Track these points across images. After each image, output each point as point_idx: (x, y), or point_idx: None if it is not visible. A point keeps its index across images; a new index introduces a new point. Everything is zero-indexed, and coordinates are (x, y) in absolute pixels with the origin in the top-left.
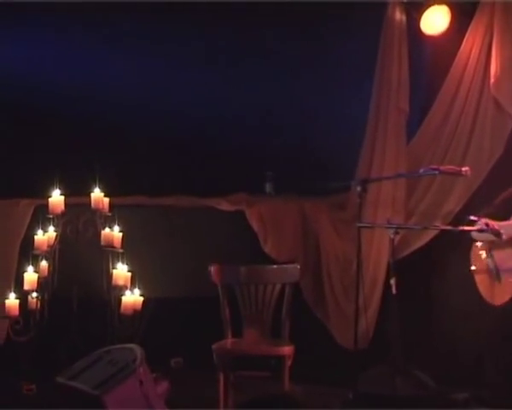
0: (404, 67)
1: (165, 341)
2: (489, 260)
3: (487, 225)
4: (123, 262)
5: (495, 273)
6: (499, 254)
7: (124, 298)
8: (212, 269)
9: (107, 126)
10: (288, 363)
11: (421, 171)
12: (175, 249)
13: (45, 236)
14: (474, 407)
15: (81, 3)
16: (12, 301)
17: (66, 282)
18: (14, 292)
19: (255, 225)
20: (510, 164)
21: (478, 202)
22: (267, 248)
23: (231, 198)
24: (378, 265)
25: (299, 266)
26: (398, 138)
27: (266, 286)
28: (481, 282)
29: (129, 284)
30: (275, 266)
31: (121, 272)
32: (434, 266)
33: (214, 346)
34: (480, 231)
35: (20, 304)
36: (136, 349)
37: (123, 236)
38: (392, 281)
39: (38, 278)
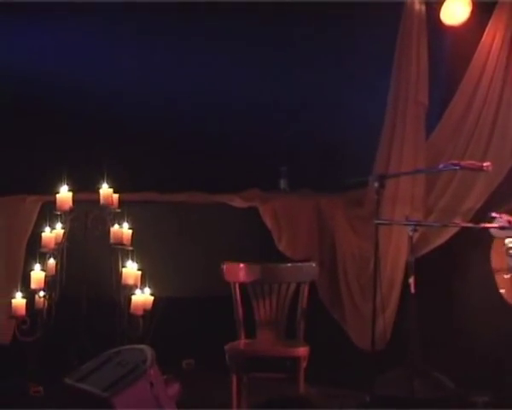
0: (424, 58)
1: (176, 341)
2: (509, 259)
3: (510, 222)
4: (133, 260)
5: None
6: None
7: (134, 297)
8: (225, 267)
9: (116, 120)
10: (303, 365)
11: (441, 166)
12: (186, 247)
13: (53, 233)
14: None
15: None
16: (19, 300)
17: (75, 281)
18: (21, 291)
19: (269, 223)
20: None
21: (499, 199)
22: (281, 246)
23: (244, 194)
24: (396, 263)
25: (314, 265)
26: (416, 132)
27: (281, 285)
28: (502, 281)
29: (139, 283)
30: (289, 265)
31: (131, 270)
32: (454, 265)
33: (227, 347)
34: (502, 228)
35: (26, 304)
36: (147, 350)
37: (133, 233)
38: (411, 280)
39: (46, 276)
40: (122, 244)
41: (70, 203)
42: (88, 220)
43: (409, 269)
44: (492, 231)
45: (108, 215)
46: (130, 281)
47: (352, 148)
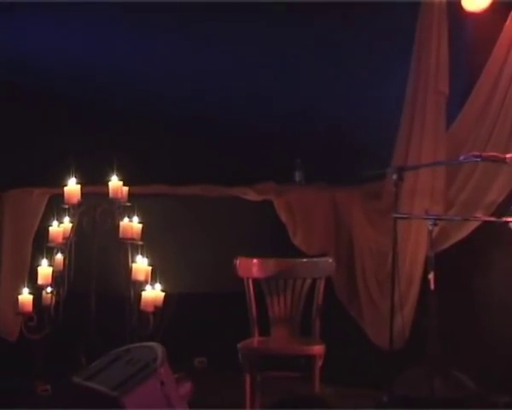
0: (444, 46)
1: (187, 339)
2: None
3: None
4: (143, 255)
5: None
6: None
7: (144, 294)
8: (238, 263)
9: (126, 111)
10: (319, 363)
11: (462, 158)
12: (198, 242)
13: (60, 227)
14: None
15: None
16: (25, 296)
17: (83, 276)
18: (28, 287)
19: (284, 216)
20: None
21: None
22: (297, 241)
23: (258, 187)
24: (415, 258)
25: (330, 260)
26: (437, 123)
27: (296, 281)
28: None
29: (149, 279)
30: (305, 260)
31: (141, 265)
32: (475, 260)
33: (240, 345)
34: None
35: (33, 300)
36: (157, 348)
37: (143, 227)
38: (431, 276)
39: (53, 272)
40: (132, 239)
41: (78, 196)
42: (96, 214)
43: (428, 264)
44: None
45: (118, 209)
46: (141, 277)
47: (369, 139)
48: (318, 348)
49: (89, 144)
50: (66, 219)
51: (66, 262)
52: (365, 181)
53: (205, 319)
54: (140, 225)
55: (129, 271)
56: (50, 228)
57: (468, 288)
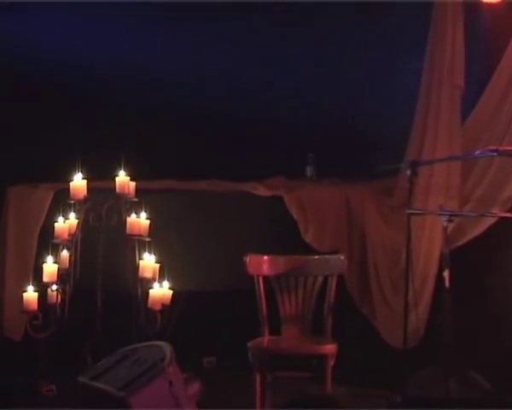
0: (459, 38)
1: (196, 338)
2: None
3: None
4: (150, 252)
5: None
6: None
7: (151, 291)
8: (248, 260)
9: (133, 105)
10: (331, 363)
11: (478, 152)
12: (207, 238)
13: (66, 223)
14: None
15: None
16: (30, 294)
17: (89, 274)
18: (33, 285)
19: (295, 212)
20: None
21: None
22: (308, 237)
23: (269, 182)
24: (430, 256)
25: (342, 257)
26: (452, 117)
27: (307, 278)
28: None
29: (157, 277)
30: (316, 257)
31: (148, 263)
32: (492, 258)
33: (250, 344)
34: None
35: (38, 298)
36: (165, 347)
37: (150, 223)
38: (445, 274)
39: (59, 269)
40: (139, 235)
41: (84, 192)
42: (103, 210)
43: (443, 262)
44: None
45: (125, 205)
46: (148, 274)
47: (382, 133)
48: (330, 348)
49: (95, 139)
50: (72, 215)
51: (72, 259)
52: (378, 176)
53: (214, 318)
54: (147, 222)
55: (136, 268)
56: (56, 224)
57: (483, 285)
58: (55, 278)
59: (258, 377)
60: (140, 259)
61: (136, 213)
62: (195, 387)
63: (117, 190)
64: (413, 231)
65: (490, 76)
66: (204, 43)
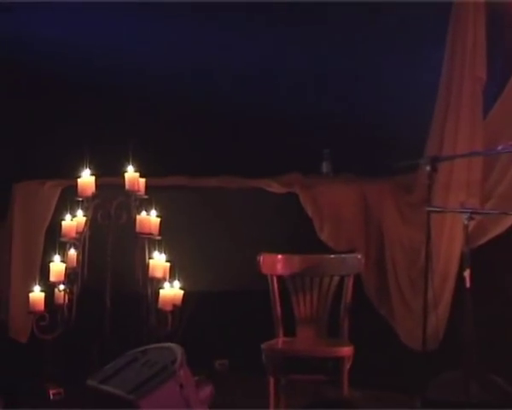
0: (481, 29)
1: (208, 340)
2: None
3: None
4: (161, 251)
5: None
6: None
7: (162, 292)
8: (262, 259)
9: (143, 98)
10: (347, 366)
11: (501, 147)
12: (219, 237)
13: (74, 221)
14: None
15: None
16: (37, 294)
17: (98, 273)
18: (40, 285)
19: (310, 210)
20: None
21: None
22: (323, 236)
23: (283, 179)
24: (450, 255)
25: (359, 256)
26: (473, 111)
27: (323, 278)
28: None
29: (167, 276)
30: (332, 256)
31: (159, 262)
32: None
33: (264, 346)
34: None
35: (45, 298)
36: (176, 349)
37: (161, 221)
38: (466, 273)
39: (66, 268)
40: (149, 234)
41: (92, 189)
42: (112, 207)
43: (464, 261)
44: None
45: (134, 202)
46: (158, 274)
47: (401, 128)
48: (347, 350)
49: (104, 134)
50: (80, 213)
51: (80, 258)
52: (397, 173)
53: (226, 319)
54: (158, 219)
55: (146, 267)
56: (63, 222)
57: (505, 285)
58: (62, 278)
59: (271, 381)
60: (150, 258)
61: (146, 210)
62: (207, 390)
63: (126, 186)
64: (433, 229)
65: None
66: (217, 38)
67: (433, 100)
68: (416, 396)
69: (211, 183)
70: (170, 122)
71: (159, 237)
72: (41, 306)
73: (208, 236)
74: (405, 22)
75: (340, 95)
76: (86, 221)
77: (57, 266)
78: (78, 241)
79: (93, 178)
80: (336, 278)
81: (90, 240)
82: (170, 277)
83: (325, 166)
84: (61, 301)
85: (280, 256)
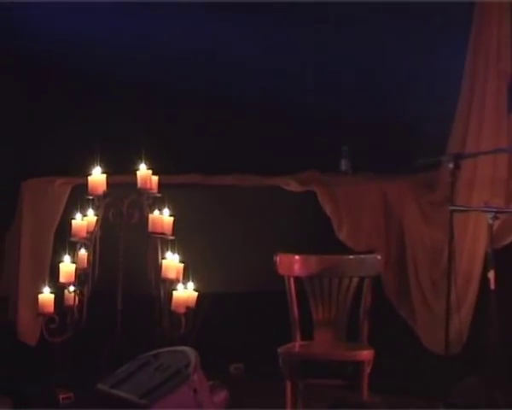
0: (506, 21)
1: (223, 343)
2: None
3: None
4: (174, 251)
5: None
6: None
7: (175, 293)
8: (278, 259)
9: (156, 94)
10: (367, 370)
11: None
12: (234, 236)
13: (84, 220)
14: None
15: None
16: (46, 295)
17: (109, 274)
18: (49, 286)
19: (328, 209)
20: None
21: None
22: (342, 236)
23: (301, 177)
24: (473, 255)
25: (379, 257)
26: (497, 106)
27: (341, 280)
28: None
29: (181, 277)
30: (351, 257)
31: (172, 262)
32: None
33: (280, 350)
34: None
35: (55, 300)
36: (190, 353)
37: (174, 220)
38: (491, 274)
39: (76, 269)
40: (162, 233)
41: (104, 187)
42: (123, 206)
43: (488, 262)
44: None
45: (146, 200)
46: (171, 275)
47: (422, 124)
48: (366, 354)
49: (115, 130)
50: (91, 212)
51: (91, 259)
52: (418, 170)
53: (242, 321)
54: (171, 219)
55: (159, 268)
56: (73, 221)
57: None
58: (72, 279)
59: (288, 385)
60: (163, 258)
61: (158, 209)
62: (222, 395)
63: (138, 184)
64: (456, 228)
65: None
66: (233, 32)
67: (456, 95)
68: (439, 402)
69: (226, 181)
70: (183, 118)
71: (172, 237)
72: (50, 308)
73: (223, 235)
74: (427, 17)
75: (358, 91)
76: (97, 220)
77: (67, 267)
78: (89, 241)
79: (104, 175)
80: (355, 280)
81: (100, 240)
82: (183, 278)
83: (344, 164)
84: (71, 302)
85: (297, 257)
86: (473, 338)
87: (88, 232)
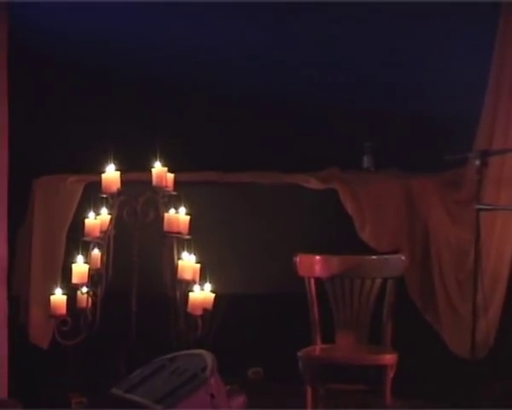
0: None
1: (241, 346)
2: None
3: None
4: (190, 251)
5: None
6: None
7: (191, 295)
8: (298, 260)
9: (171, 89)
10: (390, 374)
11: None
12: (253, 236)
13: (98, 219)
14: None
15: None
16: (58, 297)
17: (123, 275)
18: (61, 287)
19: (350, 207)
20: None
21: None
22: (365, 235)
23: (321, 174)
24: (501, 255)
25: (403, 257)
26: None
27: (364, 281)
28: None
29: (197, 278)
30: (374, 257)
31: (188, 263)
32: None
33: (300, 353)
34: None
35: (67, 301)
36: (207, 356)
37: (190, 219)
38: None
39: (89, 269)
40: (178, 232)
41: (118, 184)
42: (138, 205)
43: None
44: None
45: (162, 199)
46: (188, 275)
47: (448, 119)
48: (390, 358)
49: (130, 126)
50: (104, 211)
51: (104, 259)
52: (444, 167)
53: (260, 324)
54: (187, 217)
55: (174, 269)
56: (86, 220)
57: None
58: (85, 280)
59: (309, 390)
60: (179, 259)
61: (174, 207)
62: (240, 400)
63: (153, 182)
64: (482, 227)
65: None
66: (252, 26)
67: (483, 90)
68: (465, 407)
69: (243, 178)
70: (200, 114)
71: (188, 237)
72: (63, 309)
73: (241, 235)
74: (453, 12)
75: (382, 85)
76: (111, 219)
77: (80, 268)
78: (103, 240)
79: (118, 173)
80: (378, 281)
81: (114, 239)
82: (200, 279)
83: (366, 161)
84: (84, 304)
85: (318, 257)
86: (500, 341)
87: (101, 232)
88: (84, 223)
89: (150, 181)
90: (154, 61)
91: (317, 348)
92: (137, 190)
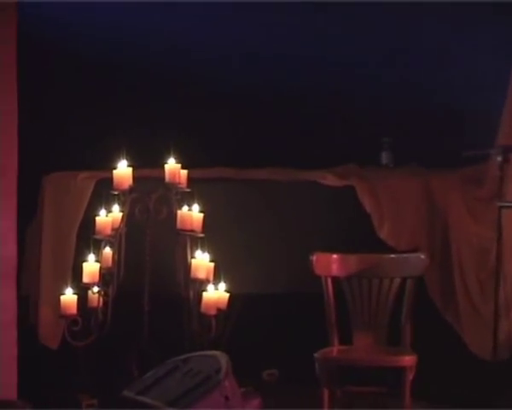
0: None
1: (256, 347)
2: None
3: None
4: (204, 250)
5: None
6: None
7: (205, 294)
8: (315, 259)
9: (185, 84)
10: (410, 376)
11: None
12: (268, 234)
13: (109, 217)
14: None
15: None
16: (69, 297)
17: (135, 274)
18: (72, 286)
19: (368, 205)
20: None
21: None
22: (383, 233)
23: (339, 171)
24: None
25: (423, 256)
26: None
27: (382, 280)
28: None
29: (211, 277)
30: (393, 256)
31: (202, 262)
32: None
33: (317, 355)
34: None
35: (78, 301)
36: (221, 358)
37: (204, 217)
38: None
39: (101, 268)
40: (191, 230)
41: (130, 181)
42: (151, 202)
43: None
44: None
45: (175, 196)
46: (201, 275)
47: (469, 115)
48: (409, 359)
49: (142, 121)
50: (116, 208)
51: (116, 257)
52: (465, 164)
53: (276, 324)
54: (201, 215)
55: (188, 268)
56: (97, 218)
57: None
58: (96, 279)
59: (326, 393)
60: (192, 257)
61: (187, 205)
62: (255, 403)
63: (166, 179)
64: (505, 226)
65: None
66: (271, 23)
67: (505, 84)
68: None
69: (259, 175)
70: (214, 109)
71: (202, 235)
72: (73, 309)
73: (256, 233)
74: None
75: (400, 79)
76: (123, 217)
77: (91, 267)
78: (114, 238)
79: (130, 169)
80: (397, 280)
81: (126, 237)
82: (214, 278)
83: (385, 157)
84: (95, 304)
85: (335, 256)
86: None
87: (113, 229)
88: (95, 221)
89: (163, 178)
90: (169, 56)
91: (334, 349)
92: (150, 186)
